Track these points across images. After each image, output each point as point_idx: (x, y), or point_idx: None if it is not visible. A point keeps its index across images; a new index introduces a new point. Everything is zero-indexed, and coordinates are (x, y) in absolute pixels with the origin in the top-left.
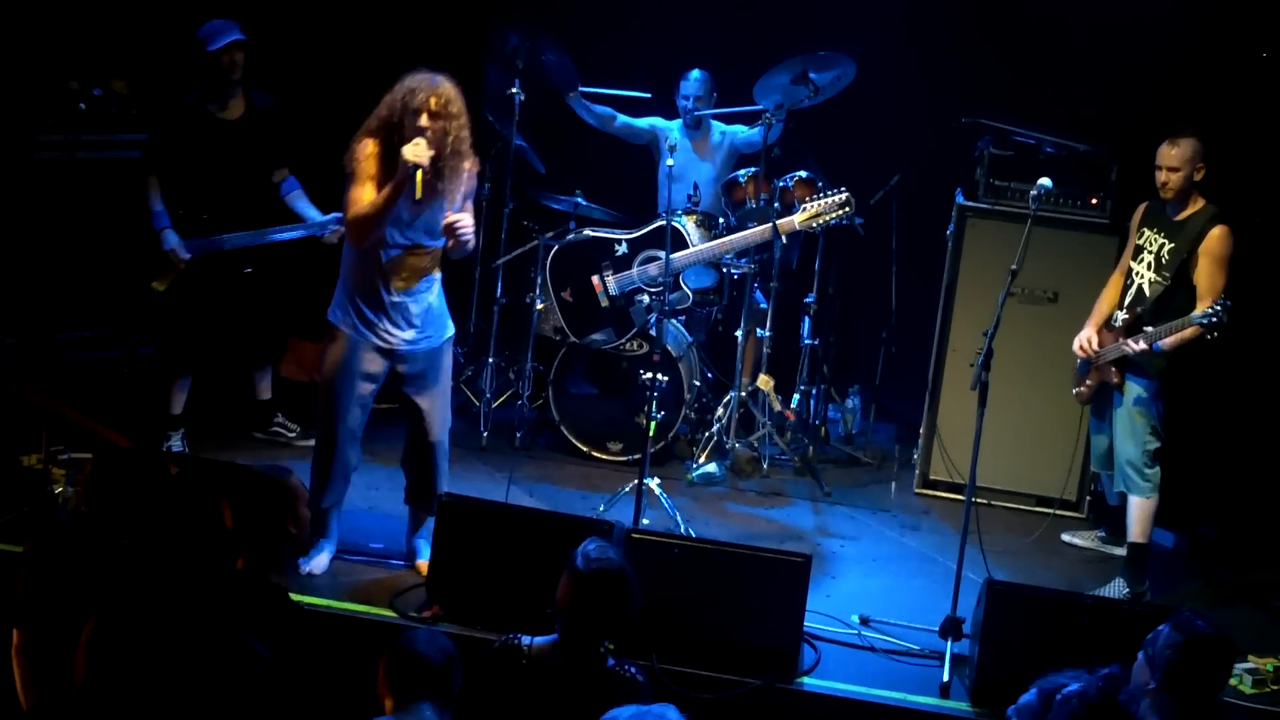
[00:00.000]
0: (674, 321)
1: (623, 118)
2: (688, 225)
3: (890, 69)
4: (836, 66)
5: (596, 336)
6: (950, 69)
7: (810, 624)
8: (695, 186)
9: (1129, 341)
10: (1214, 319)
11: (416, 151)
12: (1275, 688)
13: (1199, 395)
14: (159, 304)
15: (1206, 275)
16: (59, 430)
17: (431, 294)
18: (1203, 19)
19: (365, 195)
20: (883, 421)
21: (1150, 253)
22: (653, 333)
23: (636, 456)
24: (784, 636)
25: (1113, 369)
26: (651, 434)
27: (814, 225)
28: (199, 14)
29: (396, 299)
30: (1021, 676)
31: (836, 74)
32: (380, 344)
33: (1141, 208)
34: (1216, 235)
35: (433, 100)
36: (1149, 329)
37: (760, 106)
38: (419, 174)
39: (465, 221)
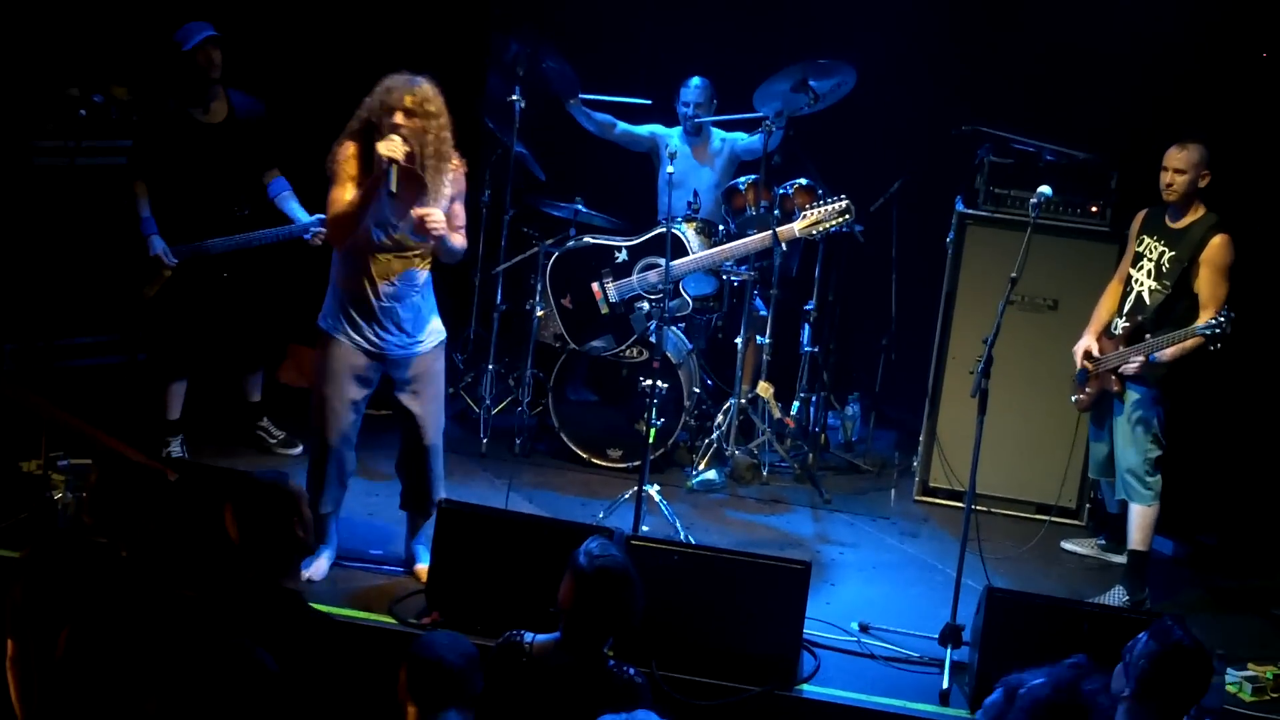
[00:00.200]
0: (674, 328)
1: (623, 125)
2: (688, 232)
3: (891, 76)
4: (837, 74)
5: (596, 343)
6: (951, 76)
7: (810, 631)
8: (695, 194)
9: (1128, 360)
10: (1217, 330)
11: (390, 146)
12: (1275, 695)
13: (1199, 403)
14: (149, 310)
15: (1208, 285)
16: (59, 436)
17: (420, 297)
18: (1203, 27)
19: (345, 196)
20: (882, 429)
21: (1150, 260)
22: (653, 340)
23: (636, 463)
24: (783, 643)
25: (1113, 377)
26: (651, 441)
27: (814, 232)
28: (200, 20)
29: (385, 303)
30: None
31: (836, 81)
32: (370, 348)
33: (1141, 214)
34: (1218, 244)
35: (408, 99)
36: (1147, 338)
37: (760, 114)
38: (394, 168)
39: (435, 216)
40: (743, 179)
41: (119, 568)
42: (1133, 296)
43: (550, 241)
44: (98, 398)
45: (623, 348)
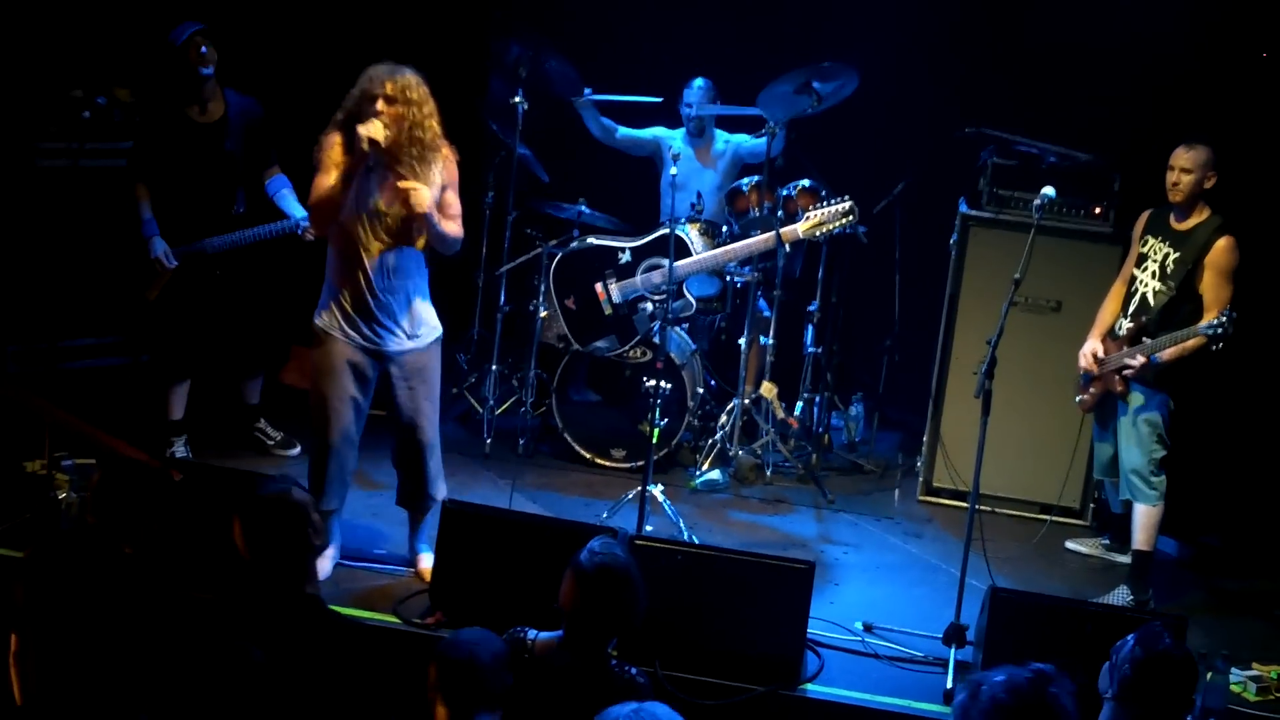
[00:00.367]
0: (677, 329)
1: (625, 130)
2: (691, 234)
3: (894, 78)
4: (839, 76)
5: (600, 344)
6: (954, 78)
7: (813, 631)
8: (699, 195)
9: (1129, 360)
10: (1219, 330)
11: (370, 127)
12: (1279, 695)
13: (1202, 404)
14: (152, 311)
15: (1212, 287)
16: (62, 436)
17: (414, 291)
18: (1205, 29)
19: (327, 182)
20: (886, 429)
21: (1154, 261)
22: (656, 340)
23: (640, 464)
24: (787, 643)
25: (1117, 377)
26: (655, 441)
27: (817, 234)
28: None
29: (380, 298)
30: None
31: (839, 83)
32: (367, 345)
33: (1144, 215)
34: (1222, 247)
35: (389, 86)
36: (1147, 340)
37: (760, 111)
38: (368, 144)
39: (418, 188)
40: (746, 180)
41: (123, 567)
42: (1137, 297)
43: (554, 243)
44: (101, 399)
45: (626, 348)
